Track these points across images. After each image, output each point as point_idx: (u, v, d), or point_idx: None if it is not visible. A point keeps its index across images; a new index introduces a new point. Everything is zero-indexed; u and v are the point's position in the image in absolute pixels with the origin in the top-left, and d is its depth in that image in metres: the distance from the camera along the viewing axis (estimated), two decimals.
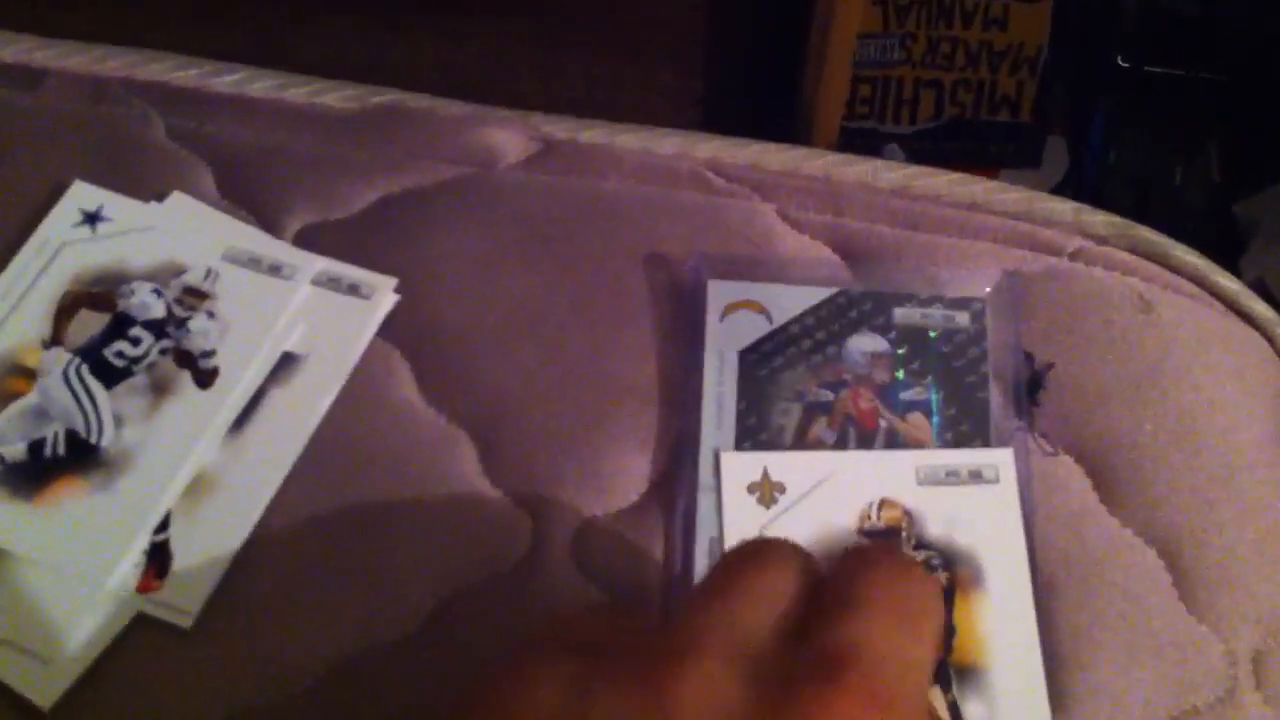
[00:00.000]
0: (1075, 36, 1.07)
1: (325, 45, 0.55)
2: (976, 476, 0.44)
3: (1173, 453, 0.47)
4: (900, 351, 0.48)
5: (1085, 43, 1.09)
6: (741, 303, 0.48)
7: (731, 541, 0.42)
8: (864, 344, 0.48)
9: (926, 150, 1.11)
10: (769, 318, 0.48)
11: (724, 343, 0.47)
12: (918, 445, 0.46)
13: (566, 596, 0.43)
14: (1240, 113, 1.09)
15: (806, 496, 0.44)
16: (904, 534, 0.44)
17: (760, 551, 0.31)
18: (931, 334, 0.48)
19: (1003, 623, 0.42)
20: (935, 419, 0.46)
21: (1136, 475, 0.46)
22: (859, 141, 1.11)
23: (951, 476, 0.45)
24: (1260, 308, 0.51)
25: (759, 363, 0.47)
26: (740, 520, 0.43)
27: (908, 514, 0.44)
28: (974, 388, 0.47)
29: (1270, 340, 0.51)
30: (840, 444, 0.46)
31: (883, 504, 0.44)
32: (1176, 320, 0.50)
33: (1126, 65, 1.08)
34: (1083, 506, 0.46)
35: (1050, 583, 0.44)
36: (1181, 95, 1.09)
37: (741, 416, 0.46)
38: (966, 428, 0.46)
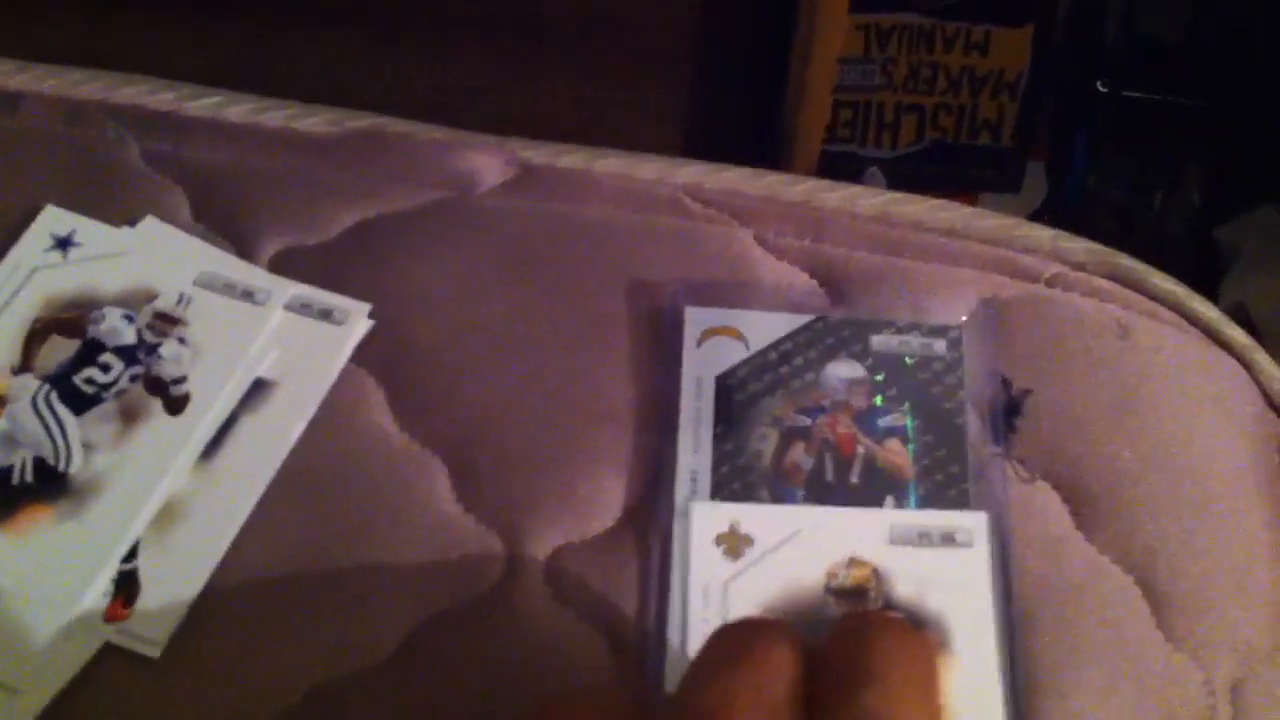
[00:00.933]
0: (1057, 62, 1.08)
1: (306, 65, 0.54)
2: (949, 540, 0.44)
3: (1151, 479, 0.46)
4: (878, 378, 0.47)
5: (1067, 68, 1.09)
6: (719, 329, 0.48)
7: (695, 592, 0.42)
8: (842, 370, 0.48)
9: (907, 174, 1.11)
10: (746, 344, 0.48)
11: (701, 368, 0.47)
12: (896, 471, 0.46)
13: (541, 623, 0.42)
14: (1221, 138, 1.09)
15: (775, 551, 0.43)
16: (871, 594, 0.43)
17: (759, 627, 0.32)
18: (908, 360, 0.48)
19: (967, 692, 0.42)
20: (912, 445, 0.46)
21: (1114, 502, 0.46)
22: (840, 165, 1.11)
23: (924, 538, 0.44)
24: (1237, 335, 0.51)
25: (736, 388, 0.47)
26: (706, 571, 0.43)
27: (876, 573, 0.43)
28: (951, 414, 0.47)
29: (1247, 367, 0.51)
30: (817, 470, 0.46)
31: (852, 562, 0.43)
32: (1155, 347, 0.50)
33: (1107, 90, 1.08)
34: (1060, 533, 0.46)
35: (1028, 611, 0.44)
36: (1162, 121, 1.09)
37: (719, 441, 0.46)
38: (943, 454, 0.46)
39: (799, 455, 0.46)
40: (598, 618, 0.43)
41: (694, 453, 0.46)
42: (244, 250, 0.50)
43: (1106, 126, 1.10)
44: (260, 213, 0.52)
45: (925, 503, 0.45)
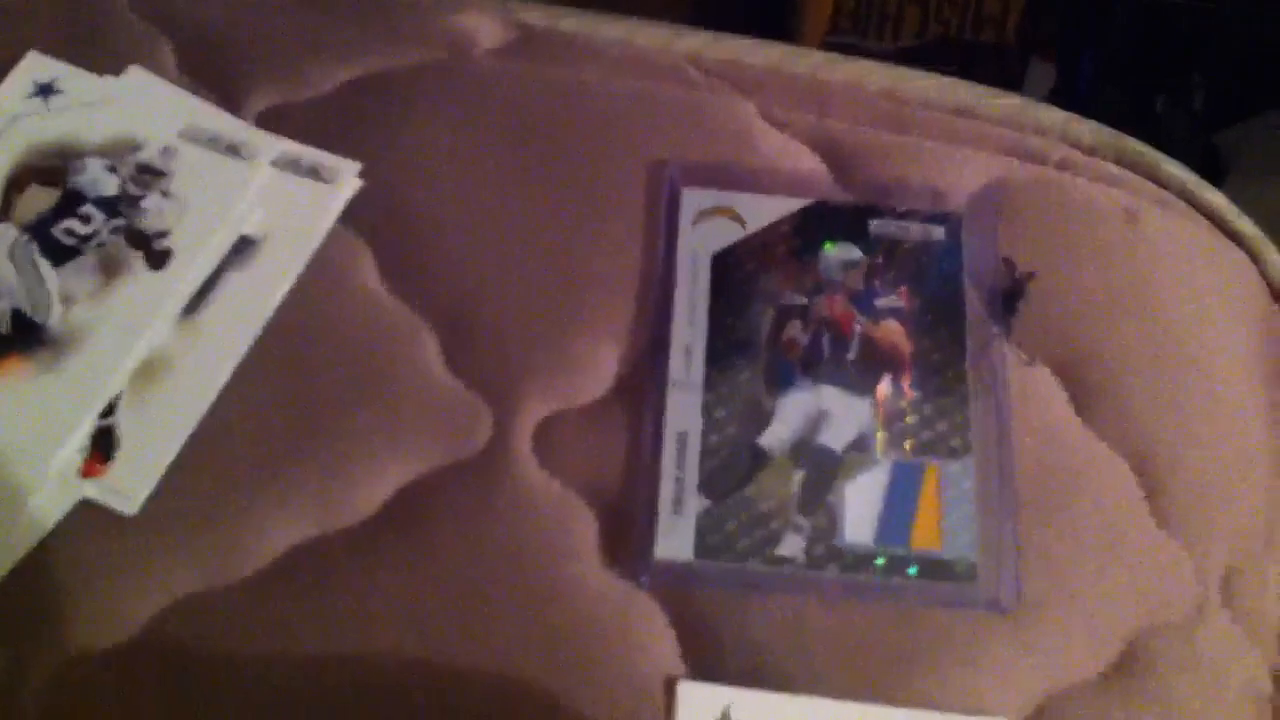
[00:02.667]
0: None
1: None
2: None
3: (1152, 368, 0.46)
4: (876, 261, 0.46)
5: None
6: (716, 209, 0.47)
7: None
8: (839, 253, 0.47)
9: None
10: (743, 225, 0.47)
11: (698, 247, 0.46)
12: (892, 350, 0.45)
13: (526, 488, 0.42)
14: (1224, 43, 1.07)
15: None
16: None
17: None
18: (906, 245, 0.47)
19: None
20: (910, 326, 0.45)
21: (1115, 389, 0.45)
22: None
23: None
24: (1247, 226, 0.50)
25: (733, 267, 0.46)
26: None
27: None
28: (949, 297, 0.46)
29: (1255, 259, 0.50)
30: (814, 346, 0.45)
31: None
32: (1162, 235, 0.48)
33: None
34: (1059, 419, 0.45)
35: (1025, 494, 0.43)
36: (1167, 24, 1.07)
37: (714, 316, 0.45)
38: (941, 334, 0.45)
39: (795, 331, 0.45)
40: (585, 486, 0.42)
41: (689, 326, 0.45)
42: (231, 104, 0.48)
43: (1110, 29, 1.08)
44: (249, 67, 0.50)
45: (922, 382, 0.44)
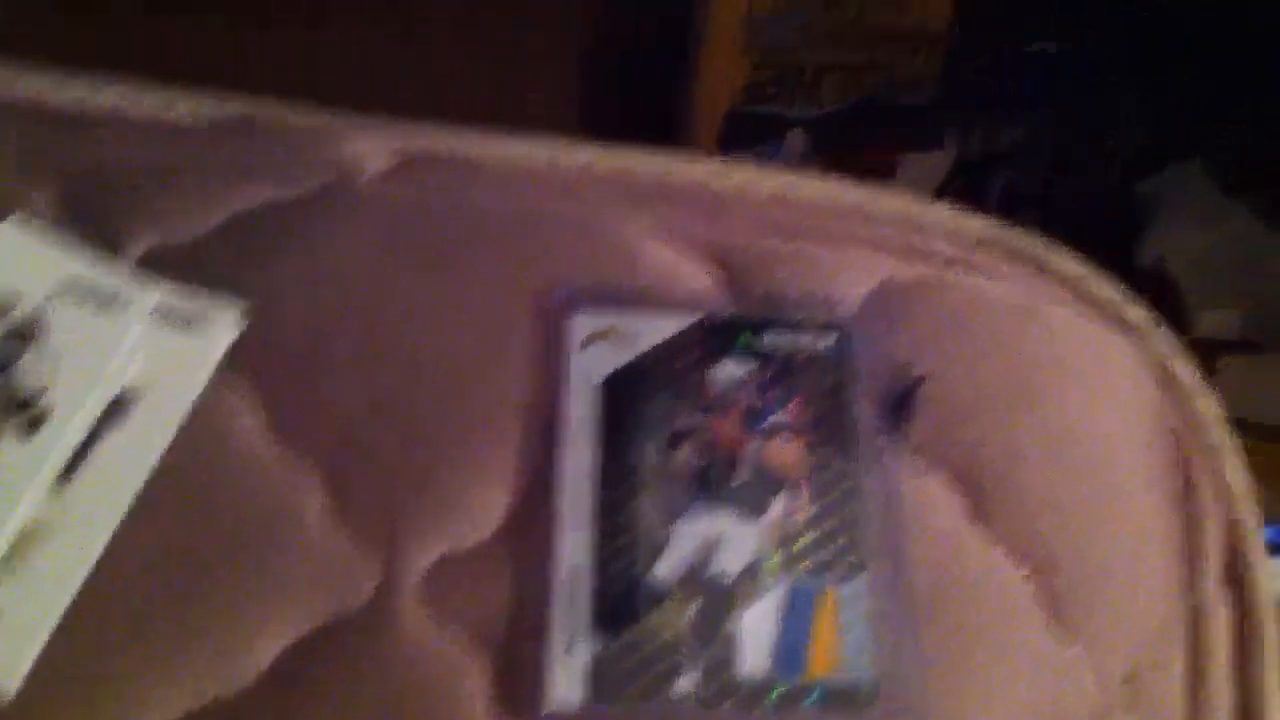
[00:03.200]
0: (982, 18, 1.07)
1: (177, 43, 0.52)
2: None
3: (1047, 468, 0.46)
4: (766, 376, 0.46)
5: (991, 25, 1.08)
6: (603, 331, 0.47)
7: None
8: (728, 370, 0.46)
9: (833, 135, 1.10)
10: (632, 347, 0.47)
11: (586, 373, 0.46)
12: (784, 469, 0.45)
13: (413, 640, 0.41)
14: (1144, 93, 1.09)
15: None
16: None
17: None
18: (798, 357, 0.47)
19: None
20: (805, 440, 0.45)
21: (1009, 493, 0.45)
22: (763, 127, 1.09)
23: None
24: (1138, 315, 0.50)
25: (623, 392, 0.46)
26: None
27: None
28: (842, 408, 0.46)
29: (1147, 349, 0.50)
30: (705, 471, 0.44)
31: None
32: (1053, 330, 0.49)
33: (1033, 48, 1.07)
34: (955, 527, 0.45)
35: (924, 607, 0.43)
36: (1087, 74, 1.08)
37: (607, 445, 0.45)
38: (833, 448, 0.45)
39: (687, 455, 0.45)
40: (475, 634, 0.41)
41: (580, 457, 0.44)
42: (110, 248, 0.48)
43: (1031, 82, 1.09)
44: (128, 209, 0.49)
45: (815, 500, 0.44)
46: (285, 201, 0.50)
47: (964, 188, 1.08)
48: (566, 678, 0.40)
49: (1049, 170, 1.11)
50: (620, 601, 0.42)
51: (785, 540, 0.43)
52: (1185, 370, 0.50)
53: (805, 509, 0.44)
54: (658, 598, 0.42)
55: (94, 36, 0.51)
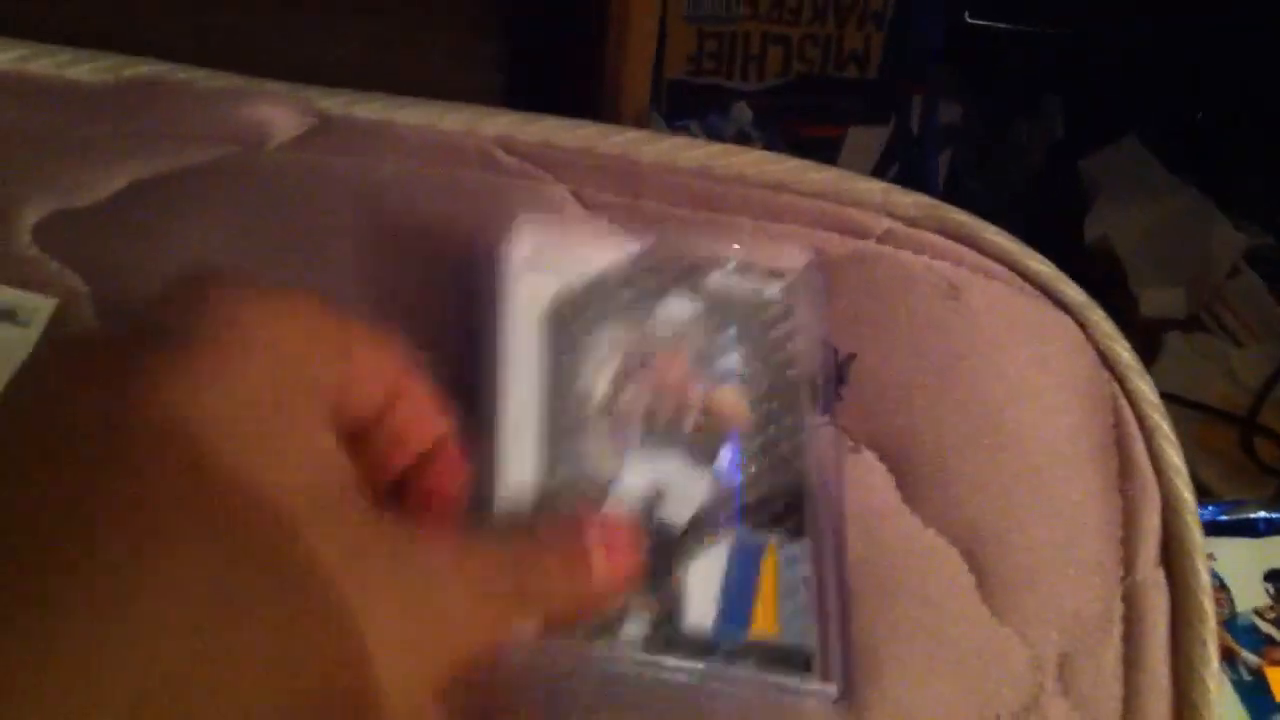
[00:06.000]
0: None
1: (71, 10, 0.49)
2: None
3: (976, 447, 0.44)
4: (713, 318, 0.44)
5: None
6: (541, 258, 0.43)
7: None
8: (676, 309, 0.44)
9: (775, 107, 1.08)
10: (574, 275, 0.43)
11: (525, 303, 0.42)
12: (734, 421, 0.42)
13: None
14: (1085, 69, 1.08)
15: None
16: None
17: None
18: (744, 303, 0.44)
19: None
20: (751, 390, 0.43)
21: (939, 471, 0.44)
22: (706, 98, 1.08)
23: None
24: (1072, 292, 0.49)
25: (569, 315, 0.43)
26: None
27: None
28: (784, 365, 0.44)
29: (1082, 326, 0.49)
30: (653, 416, 0.42)
31: None
32: (985, 307, 0.47)
33: (974, 21, 1.06)
34: (884, 505, 0.44)
35: (854, 584, 0.42)
36: (1027, 51, 1.07)
37: (547, 378, 0.42)
38: (776, 405, 0.43)
39: (632, 397, 0.42)
40: None
41: (519, 393, 0.41)
42: (4, 216, 0.45)
43: (972, 57, 1.08)
44: (23, 173, 0.47)
45: (764, 452, 0.42)
46: (189, 168, 0.48)
47: (906, 164, 1.08)
48: None
49: (988, 146, 1.11)
50: None
51: (732, 493, 0.41)
52: (1122, 349, 0.49)
53: (754, 462, 0.42)
54: None
55: None
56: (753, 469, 0.42)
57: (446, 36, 0.52)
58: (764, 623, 0.40)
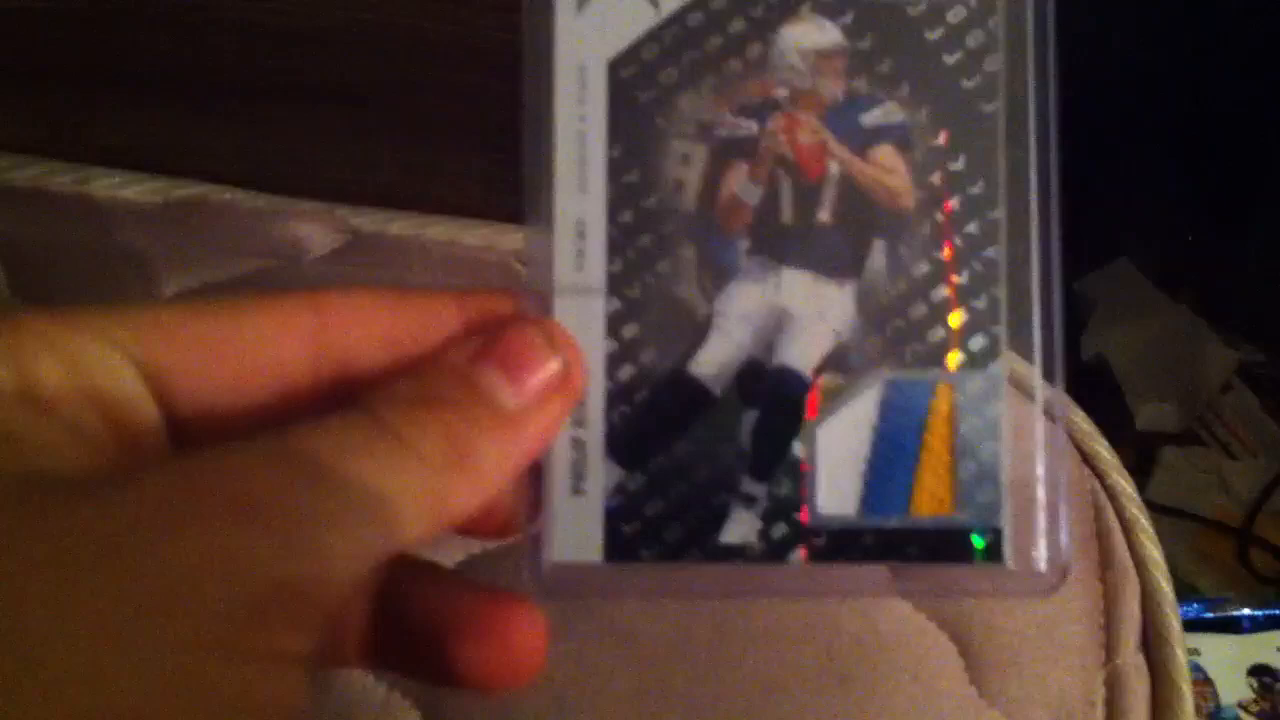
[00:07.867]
0: None
1: (124, 133, 0.54)
2: None
3: None
4: (861, 45, 0.30)
5: None
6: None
7: None
8: (804, 35, 0.30)
9: None
10: (655, 6, 0.30)
11: (586, 46, 0.30)
12: (889, 198, 0.30)
13: None
14: (1080, 188, 1.12)
15: None
16: None
17: None
18: (911, 11, 0.30)
19: None
20: (916, 154, 0.30)
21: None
22: None
23: None
24: (1054, 394, 0.52)
25: (640, 79, 0.30)
26: None
27: None
28: (976, 96, 0.30)
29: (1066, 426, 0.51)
30: (769, 205, 0.30)
31: None
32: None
33: None
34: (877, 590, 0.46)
35: (841, 669, 0.44)
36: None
37: (615, 170, 0.30)
38: (963, 163, 0.30)
39: (741, 184, 0.30)
40: None
41: (579, 191, 0.30)
42: None
43: None
44: (78, 287, 0.51)
45: (934, 244, 0.30)
46: (230, 281, 0.52)
47: None
48: (574, 526, 0.29)
49: None
50: (647, 413, 0.29)
51: (889, 311, 0.30)
52: (1101, 447, 0.52)
53: (922, 259, 0.30)
54: (701, 406, 0.29)
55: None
56: (923, 268, 0.30)
57: (470, 163, 0.56)
58: (930, 501, 0.30)
